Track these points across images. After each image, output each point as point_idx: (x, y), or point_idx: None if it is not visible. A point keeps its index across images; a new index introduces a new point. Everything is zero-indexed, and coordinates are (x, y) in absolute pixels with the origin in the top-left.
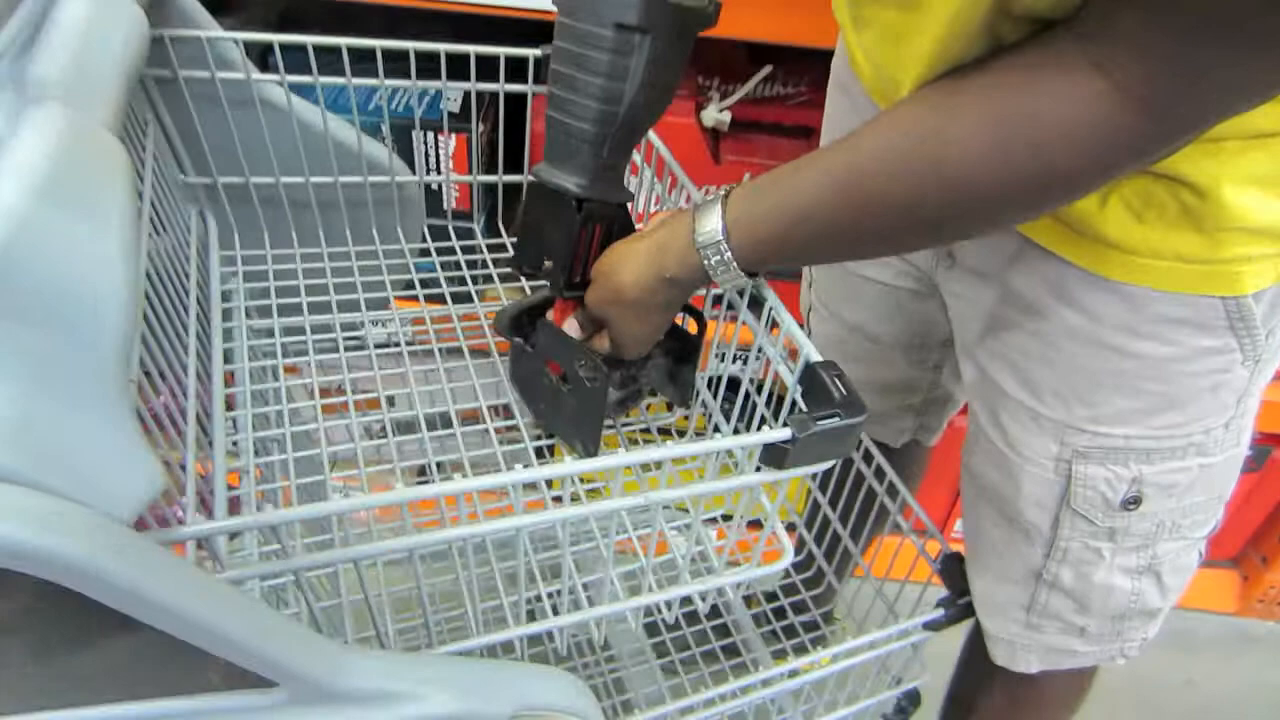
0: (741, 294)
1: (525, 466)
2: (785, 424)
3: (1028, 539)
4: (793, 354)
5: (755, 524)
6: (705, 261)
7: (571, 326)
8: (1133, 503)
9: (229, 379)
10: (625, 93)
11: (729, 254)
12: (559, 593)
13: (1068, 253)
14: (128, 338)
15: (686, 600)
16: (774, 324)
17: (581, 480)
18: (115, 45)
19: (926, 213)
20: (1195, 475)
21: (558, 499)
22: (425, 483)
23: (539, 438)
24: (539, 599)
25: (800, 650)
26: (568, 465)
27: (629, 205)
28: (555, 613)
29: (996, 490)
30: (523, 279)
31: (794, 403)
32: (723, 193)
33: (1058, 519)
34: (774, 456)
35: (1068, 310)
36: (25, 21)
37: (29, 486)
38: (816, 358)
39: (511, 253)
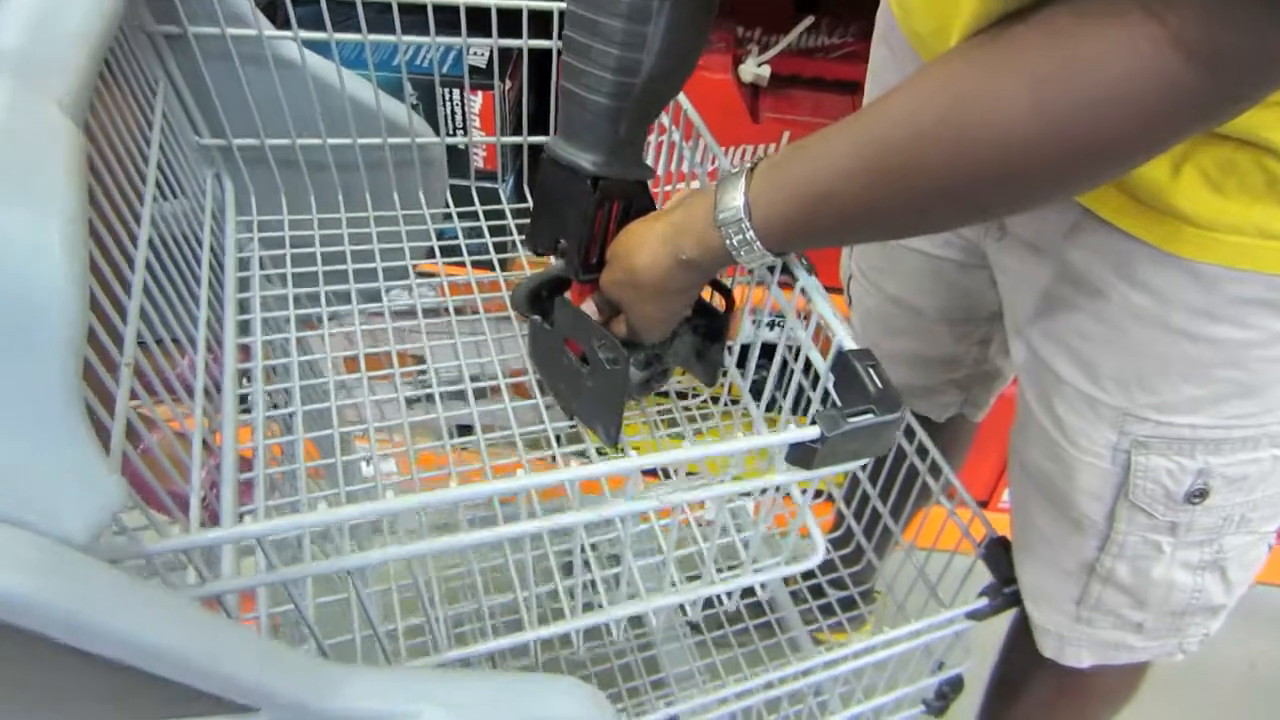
0: (772, 269)
1: (558, 440)
2: (813, 420)
3: (1080, 531)
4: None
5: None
6: (726, 241)
7: (590, 309)
8: (1198, 496)
9: (243, 353)
10: (643, 63)
11: (751, 233)
12: (575, 590)
13: (1134, 227)
14: (74, 340)
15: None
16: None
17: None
18: (79, 9)
19: (964, 186)
20: (1268, 467)
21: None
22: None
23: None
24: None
25: (837, 629)
26: (620, 463)
27: (649, 181)
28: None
29: (1047, 479)
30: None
31: (826, 392)
32: (748, 166)
33: (1114, 512)
34: (802, 456)
35: (1132, 290)
36: None
37: None
38: (850, 345)
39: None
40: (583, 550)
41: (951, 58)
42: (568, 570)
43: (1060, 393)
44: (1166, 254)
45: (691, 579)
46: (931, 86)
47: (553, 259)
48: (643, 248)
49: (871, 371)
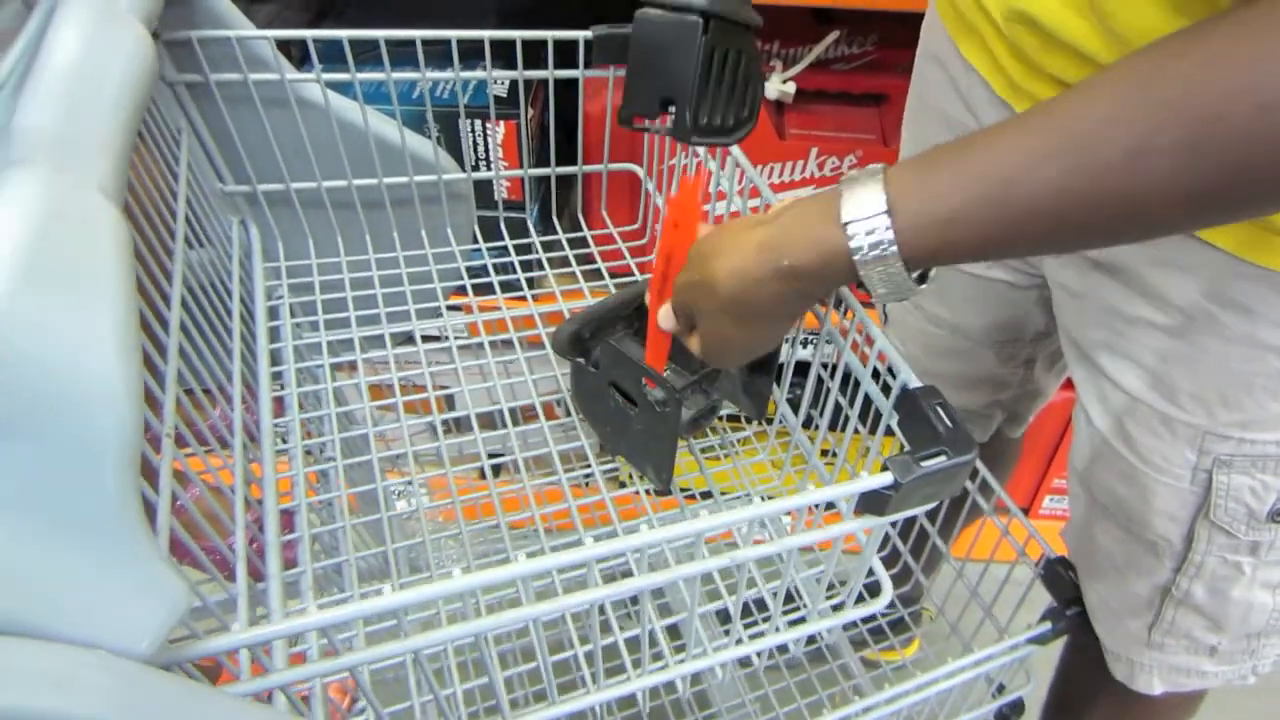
0: (824, 300)
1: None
2: (885, 467)
3: (1154, 554)
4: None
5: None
6: (851, 243)
7: (666, 316)
8: None
9: (277, 406)
10: None
11: (890, 233)
12: (643, 652)
13: (1222, 240)
14: (130, 441)
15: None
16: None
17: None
18: (113, 81)
19: (1200, 183)
20: None
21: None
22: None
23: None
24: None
25: (887, 650)
26: (643, 536)
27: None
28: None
29: (1118, 501)
30: (575, 266)
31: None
32: (878, 166)
33: (1192, 532)
34: (874, 504)
35: (1216, 305)
36: (26, 47)
37: (20, 636)
38: (915, 383)
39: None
40: (634, 602)
41: (1158, 49)
42: (623, 614)
43: (1133, 412)
44: (1256, 267)
45: (748, 624)
46: (1145, 70)
47: (587, 290)
48: (731, 251)
49: (940, 411)
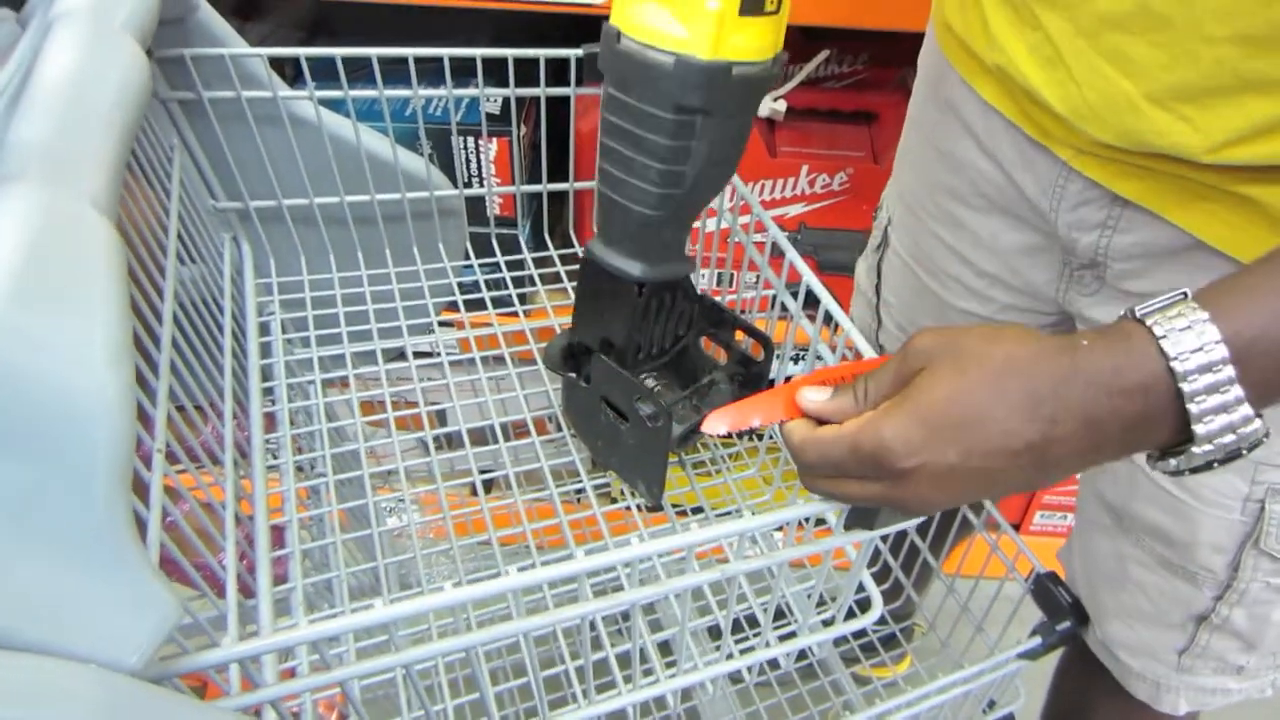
0: (793, 293)
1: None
2: None
3: (1193, 583)
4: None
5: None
6: (1190, 403)
7: (839, 442)
8: None
9: (269, 422)
10: (686, 175)
11: (1237, 386)
12: (633, 667)
13: None
14: (122, 457)
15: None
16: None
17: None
18: (107, 97)
19: None
20: None
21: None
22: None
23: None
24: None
25: (878, 666)
26: (634, 549)
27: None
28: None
29: (1161, 533)
30: (567, 282)
31: None
32: (1178, 295)
33: (1238, 560)
34: (863, 518)
35: None
36: (20, 63)
37: (9, 649)
38: None
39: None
40: (625, 617)
41: None
42: (614, 630)
43: None
44: None
45: (739, 639)
46: None
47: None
48: (990, 421)
49: None
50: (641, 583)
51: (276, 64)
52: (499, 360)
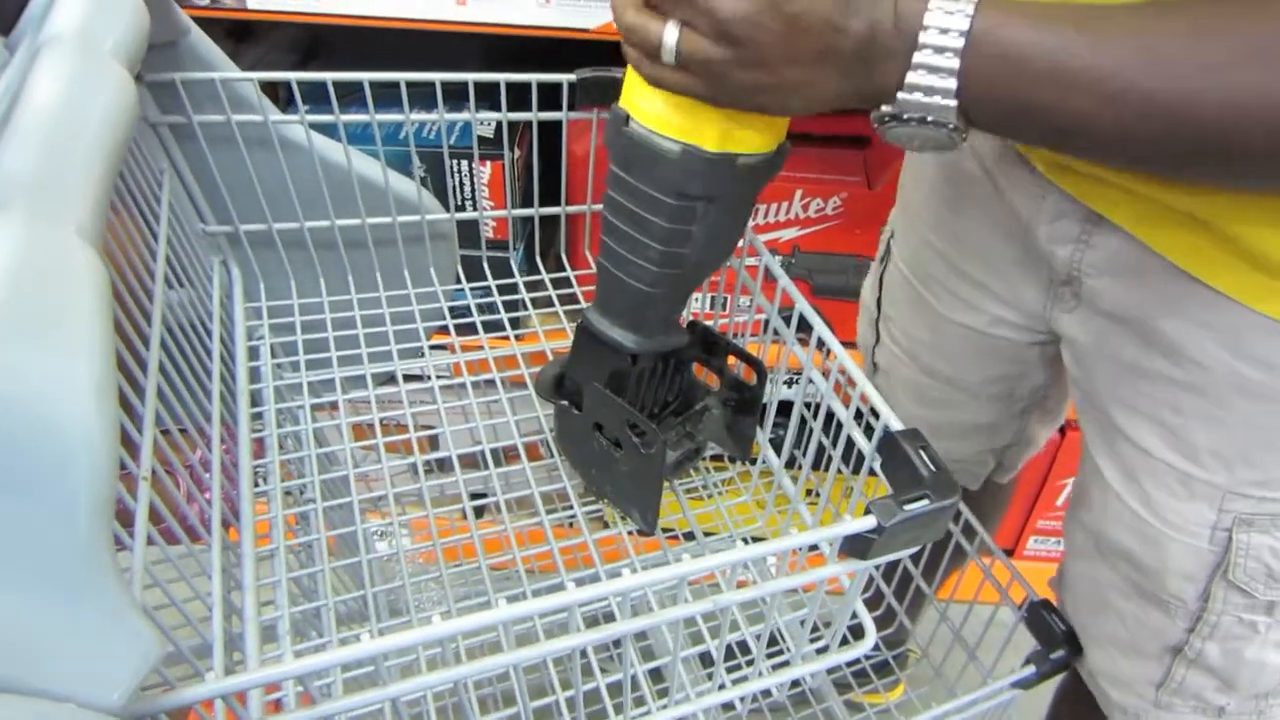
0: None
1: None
2: (868, 510)
3: (1166, 612)
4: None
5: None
6: (917, 51)
7: (671, 31)
8: None
9: (257, 447)
10: (686, 257)
11: (955, 60)
12: (625, 698)
13: (1244, 294)
14: (105, 490)
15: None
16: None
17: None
18: (93, 124)
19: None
20: None
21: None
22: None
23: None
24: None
25: (871, 693)
26: (627, 580)
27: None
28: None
29: (1131, 558)
30: (559, 306)
31: (848, 450)
32: None
33: (1208, 592)
34: (857, 547)
35: (1238, 360)
36: (7, 89)
37: None
38: (897, 425)
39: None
40: (617, 645)
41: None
42: (605, 656)
43: (1150, 469)
44: (1274, 321)
45: (732, 668)
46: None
47: (570, 329)
48: None
49: (923, 454)
50: (633, 611)
51: (269, 88)
52: (490, 384)
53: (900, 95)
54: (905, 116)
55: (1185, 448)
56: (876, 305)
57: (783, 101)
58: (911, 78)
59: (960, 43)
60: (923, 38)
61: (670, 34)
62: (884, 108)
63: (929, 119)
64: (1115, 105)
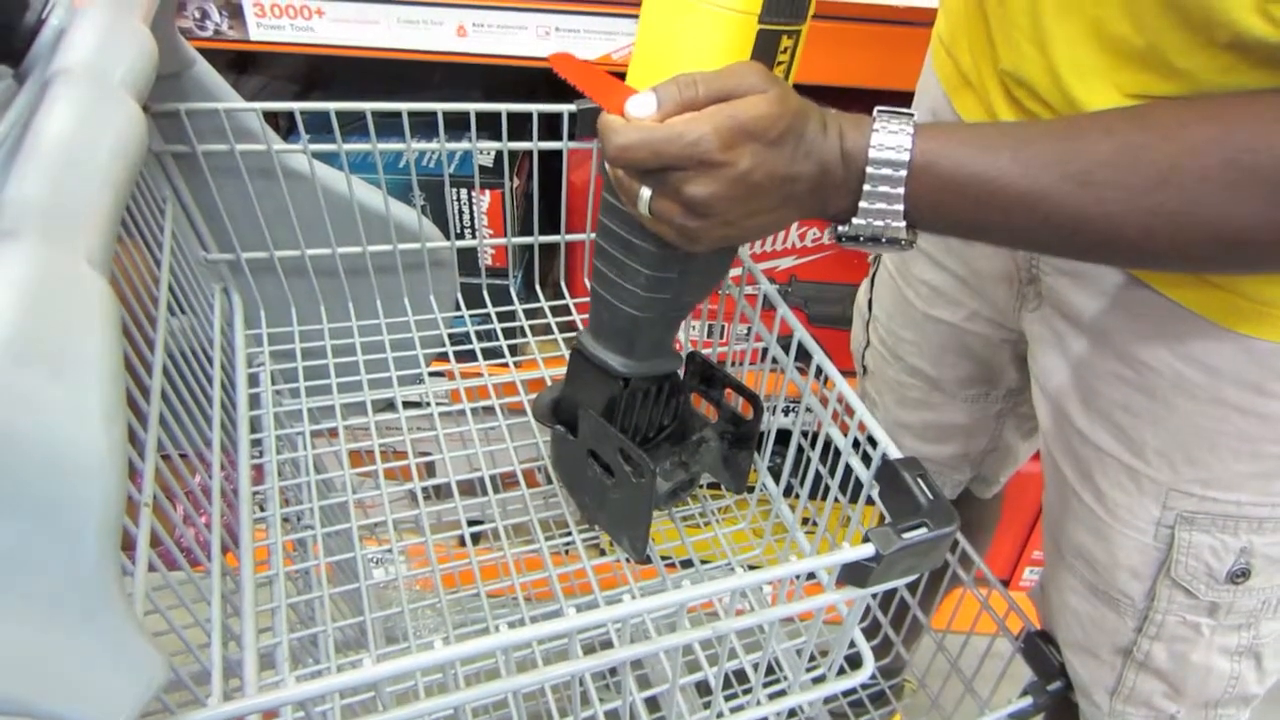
0: (787, 347)
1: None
2: (867, 538)
3: (1117, 611)
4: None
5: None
6: (866, 183)
7: (647, 102)
8: (1240, 575)
9: (256, 473)
10: (674, 283)
11: (902, 186)
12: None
13: (1189, 300)
14: (113, 517)
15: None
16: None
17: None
18: (104, 155)
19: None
20: None
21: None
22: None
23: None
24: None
25: None
26: (625, 607)
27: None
28: None
29: (1086, 555)
30: (558, 333)
31: (846, 479)
32: (910, 114)
33: (1154, 590)
34: (856, 575)
35: (1183, 363)
36: (17, 119)
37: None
38: (895, 454)
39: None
40: (614, 673)
41: (1140, 118)
42: (603, 685)
43: (1102, 466)
44: (1222, 328)
45: (729, 697)
46: (1209, 128)
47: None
48: (769, 100)
49: (921, 482)
50: (631, 639)
51: (271, 117)
52: (489, 411)
53: (854, 220)
54: (861, 239)
55: (1134, 445)
56: (868, 306)
57: (747, 238)
58: (863, 204)
59: (903, 173)
60: (869, 170)
61: (644, 195)
62: (840, 228)
63: (884, 239)
64: (1050, 224)
